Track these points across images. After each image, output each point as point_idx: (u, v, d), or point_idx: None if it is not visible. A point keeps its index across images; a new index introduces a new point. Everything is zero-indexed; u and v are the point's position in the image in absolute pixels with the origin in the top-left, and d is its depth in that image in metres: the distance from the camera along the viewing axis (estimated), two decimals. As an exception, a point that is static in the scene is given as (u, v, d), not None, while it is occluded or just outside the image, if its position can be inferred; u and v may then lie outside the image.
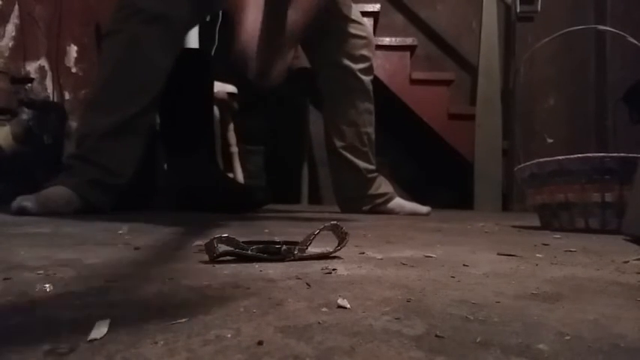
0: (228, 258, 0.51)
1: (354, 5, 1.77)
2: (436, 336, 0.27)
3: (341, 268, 0.49)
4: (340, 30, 1.71)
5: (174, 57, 1.47)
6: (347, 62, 1.72)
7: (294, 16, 1.39)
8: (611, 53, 2.97)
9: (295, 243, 0.55)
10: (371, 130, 1.81)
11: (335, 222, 0.60)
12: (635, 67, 2.53)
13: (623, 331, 0.29)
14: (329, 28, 1.69)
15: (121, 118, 1.37)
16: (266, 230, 0.93)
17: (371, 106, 1.81)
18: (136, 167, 1.44)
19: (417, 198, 2.04)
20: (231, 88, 2.43)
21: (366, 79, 1.77)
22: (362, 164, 1.79)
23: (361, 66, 1.75)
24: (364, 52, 1.76)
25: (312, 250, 0.56)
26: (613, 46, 2.95)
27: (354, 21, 1.74)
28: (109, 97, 1.39)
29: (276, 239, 0.59)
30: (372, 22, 2.87)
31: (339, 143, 1.79)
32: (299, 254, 0.54)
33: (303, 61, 1.85)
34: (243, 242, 0.52)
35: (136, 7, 1.38)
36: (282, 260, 0.53)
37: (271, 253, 0.53)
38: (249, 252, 0.51)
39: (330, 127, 1.83)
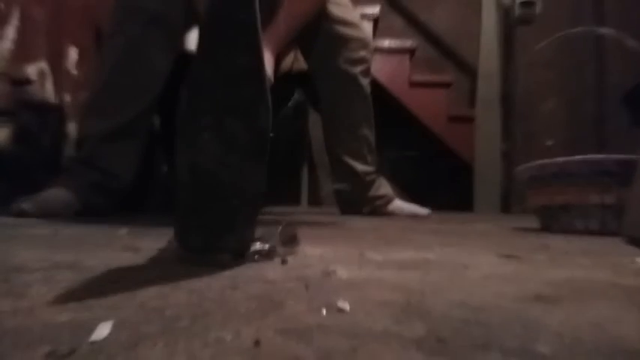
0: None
1: (352, 7, 1.78)
2: (436, 338, 0.27)
3: (340, 270, 0.49)
4: (338, 33, 1.71)
5: (173, 58, 1.46)
6: (345, 66, 1.72)
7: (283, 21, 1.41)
8: (610, 56, 2.97)
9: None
10: (369, 132, 1.81)
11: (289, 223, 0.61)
12: (634, 70, 2.53)
13: (623, 334, 0.29)
14: (326, 31, 1.69)
15: (120, 121, 1.37)
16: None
17: (369, 109, 1.81)
18: (136, 169, 1.44)
19: (416, 200, 2.04)
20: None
21: (365, 81, 1.77)
22: (360, 167, 1.79)
23: (360, 68, 1.75)
24: (362, 53, 1.75)
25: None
26: (612, 49, 2.95)
27: (351, 23, 1.73)
28: (108, 100, 1.39)
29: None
30: (371, 25, 2.87)
31: (337, 147, 1.80)
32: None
33: (302, 64, 1.85)
34: None
35: (134, 7, 1.37)
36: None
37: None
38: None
39: (328, 131, 1.84)
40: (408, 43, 2.93)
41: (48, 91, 2.03)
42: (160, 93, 1.44)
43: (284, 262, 0.53)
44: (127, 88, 1.38)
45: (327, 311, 0.32)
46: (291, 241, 0.60)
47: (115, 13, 1.43)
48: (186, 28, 1.63)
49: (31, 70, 1.94)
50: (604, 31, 1.47)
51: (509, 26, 2.99)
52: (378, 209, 1.80)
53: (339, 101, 1.77)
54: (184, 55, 1.59)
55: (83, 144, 1.38)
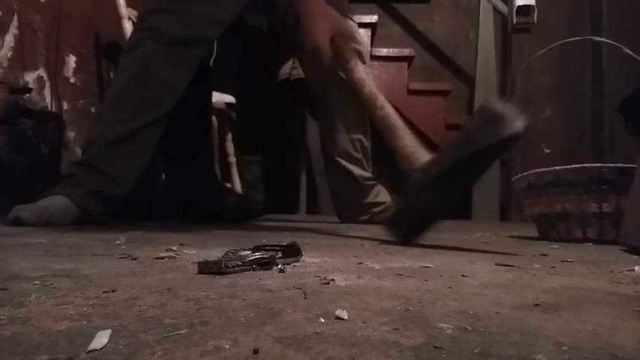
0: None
1: (348, 17, 1.78)
2: (435, 347, 0.27)
3: (339, 279, 0.49)
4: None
5: (191, 75, 1.45)
6: (339, 71, 1.74)
7: None
8: (607, 64, 2.99)
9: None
10: (363, 137, 1.82)
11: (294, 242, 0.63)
12: (631, 78, 2.54)
13: (621, 342, 0.29)
14: None
15: (127, 128, 1.37)
16: (264, 240, 0.93)
17: (364, 115, 1.81)
18: (137, 178, 1.43)
19: (414, 208, 2.03)
20: (229, 99, 2.43)
21: None
22: (357, 170, 1.80)
23: None
24: None
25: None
26: (609, 57, 2.97)
27: (346, 33, 1.75)
28: (118, 109, 1.40)
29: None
30: (369, 33, 2.88)
31: (332, 150, 1.81)
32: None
33: (301, 72, 1.86)
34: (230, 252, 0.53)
35: (157, 31, 1.38)
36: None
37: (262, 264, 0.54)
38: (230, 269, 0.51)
39: (324, 135, 1.85)
40: (406, 51, 2.95)
41: (46, 99, 2.03)
42: (172, 108, 1.43)
43: (282, 270, 0.53)
44: (138, 99, 1.39)
45: (325, 319, 0.32)
46: (292, 251, 0.61)
47: (138, 32, 1.45)
48: (209, 47, 1.61)
49: (30, 78, 1.95)
50: (601, 39, 1.48)
51: (507, 34, 3.01)
52: (376, 217, 1.80)
53: (333, 104, 1.79)
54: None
55: (89, 149, 1.39)
